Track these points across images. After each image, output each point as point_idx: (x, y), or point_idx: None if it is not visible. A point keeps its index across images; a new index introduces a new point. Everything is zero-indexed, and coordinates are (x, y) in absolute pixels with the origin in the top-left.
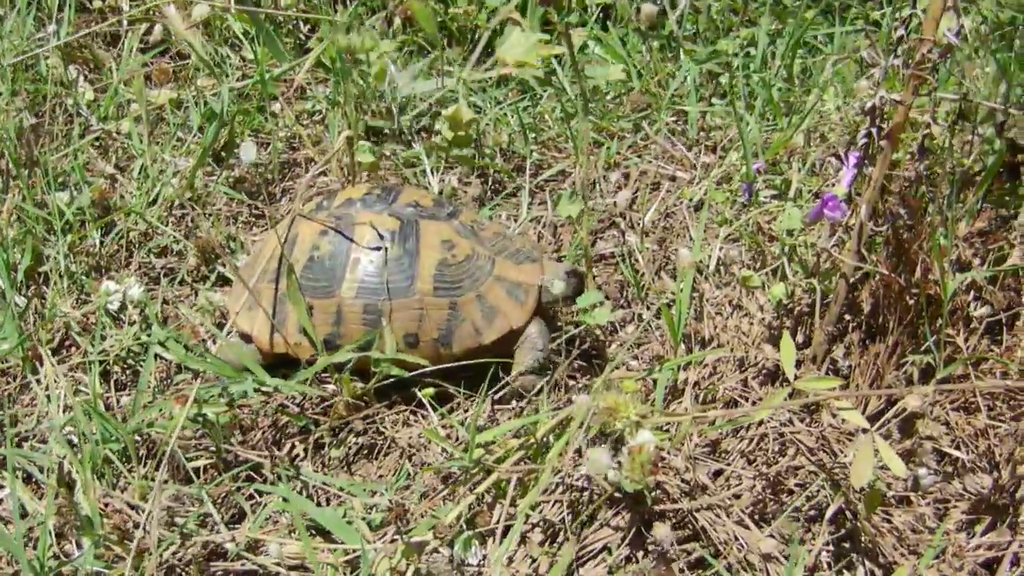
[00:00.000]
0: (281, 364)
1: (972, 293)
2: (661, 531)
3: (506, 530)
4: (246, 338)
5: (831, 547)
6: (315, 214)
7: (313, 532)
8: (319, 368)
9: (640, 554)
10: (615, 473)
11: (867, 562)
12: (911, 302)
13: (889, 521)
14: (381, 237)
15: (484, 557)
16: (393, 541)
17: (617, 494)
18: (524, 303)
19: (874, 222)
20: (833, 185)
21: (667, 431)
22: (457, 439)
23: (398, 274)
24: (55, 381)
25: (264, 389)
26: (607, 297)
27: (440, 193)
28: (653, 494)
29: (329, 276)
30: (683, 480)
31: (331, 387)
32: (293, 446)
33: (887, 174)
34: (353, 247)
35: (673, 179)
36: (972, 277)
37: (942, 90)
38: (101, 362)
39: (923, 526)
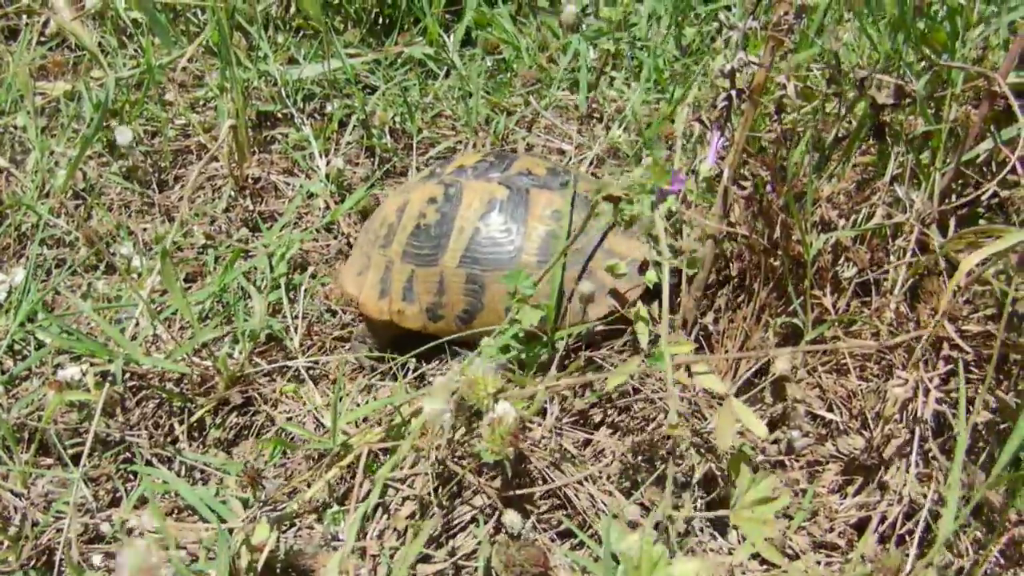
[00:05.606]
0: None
1: (842, 255)
2: (509, 517)
3: (375, 505)
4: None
5: (703, 511)
6: (427, 181)
7: (190, 511)
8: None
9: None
10: (450, 417)
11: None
12: (776, 264)
13: None
14: (489, 206)
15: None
16: (253, 520)
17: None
18: (632, 278)
19: (738, 185)
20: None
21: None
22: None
23: (504, 245)
24: None
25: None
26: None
27: (327, 176)
28: (521, 465)
29: (434, 244)
30: (550, 450)
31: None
32: (172, 427)
33: (758, 137)
34: (459, 215)
35: (561, 152)
36: (836, 237)
37: (801, 51)
38: None
39: (795, 489)
